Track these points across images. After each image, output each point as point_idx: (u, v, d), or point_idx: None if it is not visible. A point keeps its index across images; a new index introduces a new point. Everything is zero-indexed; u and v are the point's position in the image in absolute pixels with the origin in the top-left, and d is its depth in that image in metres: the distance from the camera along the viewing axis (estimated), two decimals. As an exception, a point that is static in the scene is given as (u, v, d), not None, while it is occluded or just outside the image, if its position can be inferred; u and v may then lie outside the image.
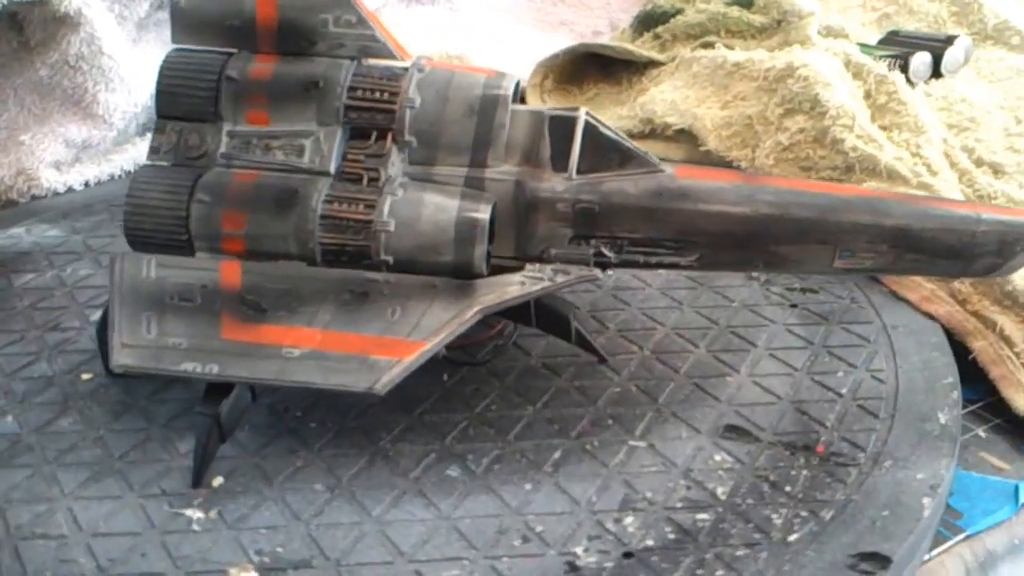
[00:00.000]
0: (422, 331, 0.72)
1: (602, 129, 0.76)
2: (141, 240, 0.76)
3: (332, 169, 0.76)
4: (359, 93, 0.77)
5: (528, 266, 0.77)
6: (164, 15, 1.35)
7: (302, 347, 0.72)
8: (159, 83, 0.78)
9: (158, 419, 0.80)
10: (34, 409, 0.82)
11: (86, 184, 1.24)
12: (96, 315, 0.91)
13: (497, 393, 0.83)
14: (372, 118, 0.77)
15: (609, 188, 0.75)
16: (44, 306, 0.97)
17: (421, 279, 0.75)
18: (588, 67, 1.40)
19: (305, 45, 0.78)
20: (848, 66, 1.16)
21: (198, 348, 0.73)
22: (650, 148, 1.18)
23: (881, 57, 1.20)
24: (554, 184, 0.75)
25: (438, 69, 0.78)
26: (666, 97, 1.24)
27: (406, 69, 0.78)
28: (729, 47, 1.28)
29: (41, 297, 0.99)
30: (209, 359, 0.72)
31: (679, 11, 1.36)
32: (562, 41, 1.52)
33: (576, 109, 0.77)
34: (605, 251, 0.76)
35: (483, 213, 0.73)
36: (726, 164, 1.15)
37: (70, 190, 1.23)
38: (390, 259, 0.74)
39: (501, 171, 0.76)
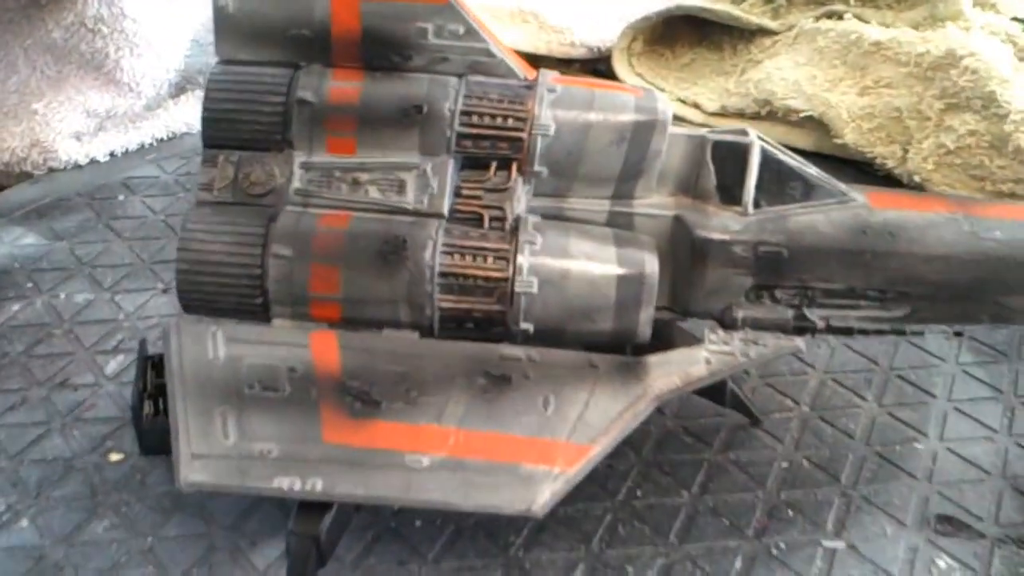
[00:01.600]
0: (587, 429, 0.58)
1: (779, 154, 0.64)
2: (200, 304, 0.62)
3: (445, 210, 0.61)
4: (475, 119, 0.62)
5: (710, 334, 0.62)
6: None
7: (432, 453, 0.56)
8: (206, 106, 0.63)
9: (219, 518, 0.65)
10: (56, 508, 0.66)
11: (111, 155, 1.06)
12: (111, 365, 0.77)
13: (638, 471, 0.69)
14: (493, 147, 0.63)
15: (797, 225, 0.62)
16: (43, 352, 0.79)
17: (575, 356, 0.60)
18: (682, 29, 1.23)
19: (397, 60, 0.64)
20: (1016, 50, 0.98)
21: (294, 456, 0.56)
22: (767, 133, 1.03)
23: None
24: (727, 222, 0.62)
25: (572, 88, 0.64)
26: (786, 76, 1.07)
27: (529, 87, 0.64)
28: (860, 18, 1.10)
29: (36, 339, 0.80)
30: (310, 471, 0.56)
31: (796, -28, 1.17)
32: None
33: (744, 132, 0.64)
34: (808, 312, 0.63)
35: (650, 265, 0.60)
36: (866, 161, 0.99)
37: (93, 162, 1.06)
38: (530, 328, 0.60)
39: (654, 205, 0.64)
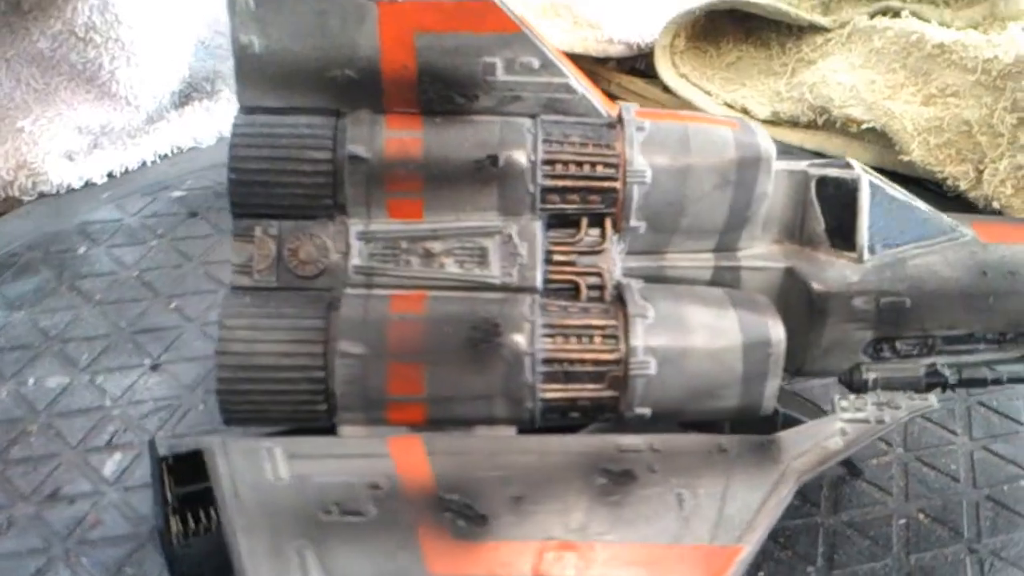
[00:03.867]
0: (730, 526, 0.49)
1: (887, 188, 0.58)
2: (247, 415, 0.52)
3: (539, 282, 0.53)
4: (560, 168, 0.53)
5: (841, 400, 0.55)
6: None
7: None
8: (233, 166, 0.52)
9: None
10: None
11: (109, 175, 0.96)
12: (109, 466, 0.66)
13: (754, 545, 0.61)
14: (583, 201, 0.54)
15: (917, 271, 0.56)
16: (20, 455, 0.66)
17: (701, 440, 0.53)
18: (726, 24, 1.13)
19: (461, 101, 0.54)
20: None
21: None
22: (824, 146, 0.94)
23: None
24: (844, 271, 0.55)
25: (662, 124, 0.55)
26: (843, 79, 0.98)
27: (612, 126, 0.55)
28: (918, 15, 1.00)
29: (9, 439, 0.67)
30: None
31: (847, -37, 1.07)
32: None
33: (847, 164, 0.58)
34: (940, 366, 0.58)
35: (777, 332, 0.53)
36: (936, 181, 0.89)
37: (88, 184, 0.95)
38: (646, 412, 0.52)
39: (761, 256, 0.57)
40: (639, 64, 1.12)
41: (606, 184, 0.53)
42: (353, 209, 0.52)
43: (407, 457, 0.49)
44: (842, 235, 0.56)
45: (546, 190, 0.53)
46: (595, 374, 0.51)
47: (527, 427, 0.52)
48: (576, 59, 1.04)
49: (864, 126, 0.94)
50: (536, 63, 0.53)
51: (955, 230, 0.58)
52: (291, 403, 0.51)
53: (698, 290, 0.55)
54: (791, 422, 0.56)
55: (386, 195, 0.52)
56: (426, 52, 0.52)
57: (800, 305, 0.56)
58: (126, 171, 0.97)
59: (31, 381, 0.72)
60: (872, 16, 1.03)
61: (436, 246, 0.52)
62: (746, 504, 0.50)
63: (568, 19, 1.12)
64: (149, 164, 0.98)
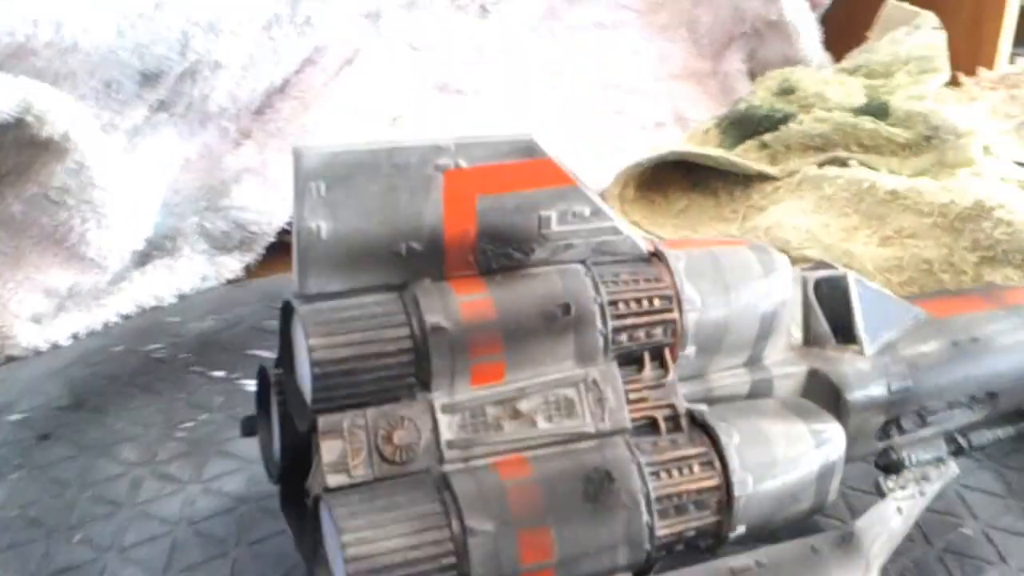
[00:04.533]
0: None
1: (866, 283, 0.64)
2: None
3: (628, 423, 0.54)
4: (622, 307, 0.54)
5: (886, 483, 0.61)
6: (161, 116, 1.07)
7: None
8: (317, 361, 0.49)
9: None
10: None
11: (74, 336, 0.95)
12: None
13: None
14: (647, 336, 0.55)
15: (910, 356, 0.62)
16: None
17: (796, 546, 0.55)
18: (673, 174, 1.17)
19: (518, 256, 0.54)
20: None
21: None
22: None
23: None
24: (857, 366, 0.60)
25: (692, 252, 0.58)
26: (798, 223, 1.02)
27: (647, 260, 0.57)
28: (866, 164, 1.06)
29: None
30: None
31: (787, 116, 1.13)
32: (625, 130, 1.28)
33: (831, 266, 0.64)
34: (960, 438, 0.65)
35: (838, 429, 0.57)
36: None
37: (55, 346, 0.93)
38: (743, 529, 0.54)
39: (785, 363, 0.61)
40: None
41: (665, 317, 0.55)
42: (436, 382, 0.51)
43: None
44: (839, 331, 0.61)
45: (615, 331, 0.54)
46: (700, 502, 0.53)
47: (639, 571, 0.52)
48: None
49: (825, 267, 0.98)
50: (587, 211, 0.54)
51: (915, 312, 0.64)
52: None
53: (757, 404, 0.58)
54: None
55: (469, 362, 0.51)
56: (487, 214, 0.52)
57: (826, 402, 0.59)
58: (91, 332, 0.95)
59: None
60: (821, 166, 1.08)
61: (524, 405, 0.52)
62: None
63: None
64: (111, 325, 0.97)
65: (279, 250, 1.08)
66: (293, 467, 0.57)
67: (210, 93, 1.09)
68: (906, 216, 0.97)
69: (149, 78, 1.02)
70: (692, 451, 0.53)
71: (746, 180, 1.14)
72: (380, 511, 0.48)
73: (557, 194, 0.53)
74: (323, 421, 0.49)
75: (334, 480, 0.49)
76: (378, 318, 0.50)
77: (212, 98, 1.09)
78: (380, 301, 0.51)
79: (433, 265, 0.52)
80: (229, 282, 1.05)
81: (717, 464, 0.53)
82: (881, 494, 0.60)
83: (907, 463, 0.61)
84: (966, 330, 0.65)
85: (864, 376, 0.60)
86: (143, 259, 1.04)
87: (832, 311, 0.61)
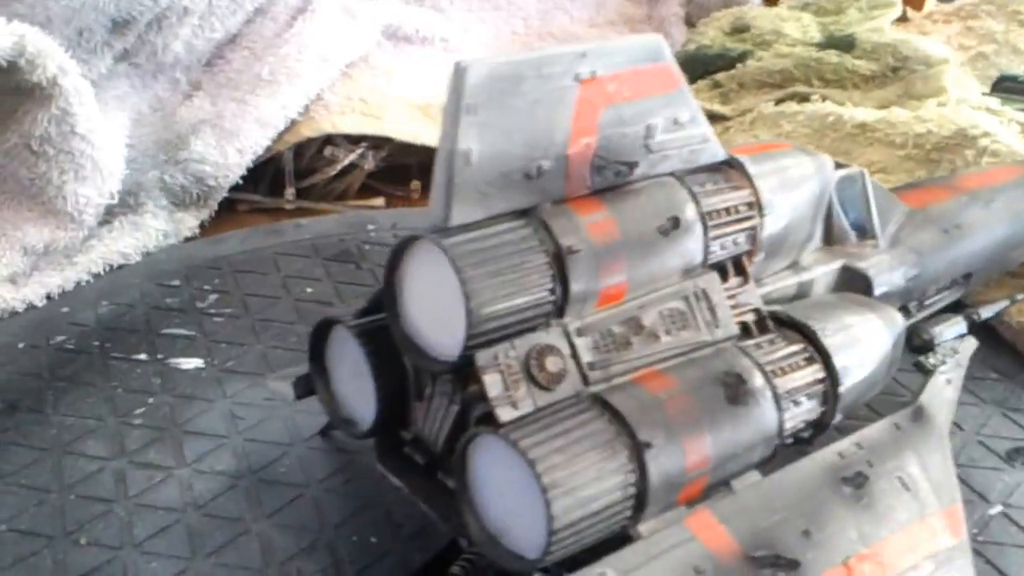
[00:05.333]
0: (942, 490, 0.57)
1: (873, 180, 0.68)
2: (570, 547, 0.48)
3: (736, 329, 0.56)
4: (714, 217, 0.56)
5: (928, 360, 0.65)
6: (120, 67, 1.03)
7: None
8: (467, 294, 0.47)
9: None
10: None
11: (47, 297, 0.89)
12: None
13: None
14: (733, 243, 0.57)
15: (916, 246, 0.68)
16: None
17: (881, 425, 0.58)
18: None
19: (623, 171, 0.54)
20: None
21: None
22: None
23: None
24: (880, 259, 0.65)
25: (760, 157, 0.60)
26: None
27: (729, 165, 0.58)
28: (829, 99, 1.08)
29: None
30: None
31: (744, 54, 1.15)
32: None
33: (843, 164, 0.67)
34: (973, 315, 0.72)
35: (898, 317, 0.62)
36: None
37: (30, 307, 0.88)
38: (840, 417, 0.58)
39: (819, 262, 0.64)
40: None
41: (750, 224, 0.57)
42: (570, 308, 0.51)
43: (708, 532, 0.50)
44: (861, 226, 0.66)
45: (712, 239, 0.56)
46: (812, 394, 0.55)
47: (761, 468, 0.54)
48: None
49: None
50: (686, 116, 0.55)
51: (900, 204, 0.70)
52: (609, 518, 0.48)
53: (823, 301, 0.61)
54: None
55: (599, 283, 0.51)
56: (607, 126, 0.52)
57: (856, 292, 0.64)
58: (62, 292, 0.90)
59: None
60: (779, 103, 1.09)
61: (645, 321, 0.53)
62: (937, 465, 0.57)
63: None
64: (83, 285, 0.92)
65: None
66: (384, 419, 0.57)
67: (171, 42, 1.05)
68: (875, 149, 0.99)
69: (119, 25, 0.98)
70: (794, 348, 0.56)
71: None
72: (559, 437, 0.48)
73: (666, 100, 0.54)
74: (480, 356, 0.49)
75: (504, 414, 0.48)
76: (518, 246, 0.49)
77: (171, 47, 1.05)
78: (514, 228, 0.50)
79: (556, 185, 0.51)
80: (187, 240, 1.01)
81: (818, 357, 0.56)
82: (926, 371, 0.63)
83: (933, 342, 0.66)
84: (947, 218, 0.70)
85: (885, 267, 0.64)
86: (107, 216, 0.99)
87: (858, 210, 0.65)
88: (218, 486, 0.69)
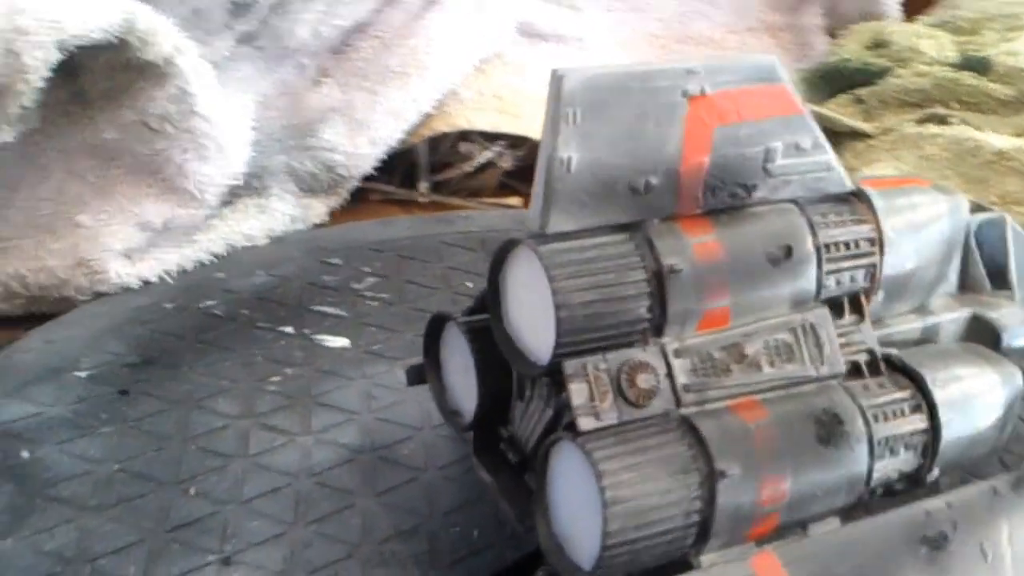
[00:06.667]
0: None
1: (1017, 227, 0.63)
2: (625, 564, 0.48)
3: (843, 368, 0.53)
4: (835, 251, 0.53)
5: None
6: (243, 50, 1.04)
7: None
8: (561, 303, 0.47)
9: None
10: None
11: (160, 278, 0.90)
12: None
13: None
14: (850, 279, 0.54)
15: None
16: None
17: (978, 488, 0.55)
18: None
19: (741, 194, 0.52)
20: None
21: None
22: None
23: None
24: (1013, 310, 0.61)
25: (888, 192, 0.57)
26: (896, 184, 1.00)
27: (848, 199, 0.55)
28: (965, 122, 1.04)
29: None
30: None
31: (884, 71, 1.12)
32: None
33: (986, 207, 0.63)
34: None
35: (1018, 375, 0.57)
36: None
37: (146, 284, 0.90)
38: (937, 472, 0.54)
39: (948, 308, 0.60)
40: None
41: (868, 261, 0.54)
42: (668, 328, 0.50)
43: (769, 574, 0.48)
44: (998, 275, 0.62)
45: (828, 273, 0.53)
46: (909, 445, 0.53)
47: (845, 515, 0.52)
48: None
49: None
50: (808, 143, 0.53)
51: None
52: (668, 542, 0.48)
53: (942, 349, 0.58)
54: None
55: (702, 306, 0.50)
56: (721, 145, 0.51)
57: (986, 345, 0.59)
58: (183, 271, 0.92)
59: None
60: (919, 123, 1.06)
61: (748, 350, 0.51)
62: None
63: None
64: (207, 263, 0.93)
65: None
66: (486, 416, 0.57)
67: (296, 27, 1.05)
68: (1011, 179, 0.96)
69: (240, 7, 0.99)
70: (901, 394, 0.53)
71: (836, 138, 1.11)
72: (633, 454, 0.47)
73: (785, 124, 0.52)
74: (569, 365, 0.49)
75: (585, 423, 0.48)
76: (617, 260, 0.49)
77: (296, 32, 1.06)
78: (616, 241, 0.49)
79: (665, 202, 0.51)
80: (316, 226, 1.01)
81: (924, 407, 0.53)
82: None
83: None
84: None
85: (1018, 320, 0.60)
86: (230, 198, 1.00)
87: (985, 255, 0.61)
88: (336, 457, 0.69)
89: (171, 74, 0.87)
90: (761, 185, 0.52)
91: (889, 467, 0.52)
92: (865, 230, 0.54)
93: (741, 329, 0.51)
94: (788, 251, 0.51)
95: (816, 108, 1.10)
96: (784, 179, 0.53)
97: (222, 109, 0.92)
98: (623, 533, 0.46)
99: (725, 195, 0.52)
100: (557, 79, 0.47)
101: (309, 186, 1.02)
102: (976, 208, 0.62)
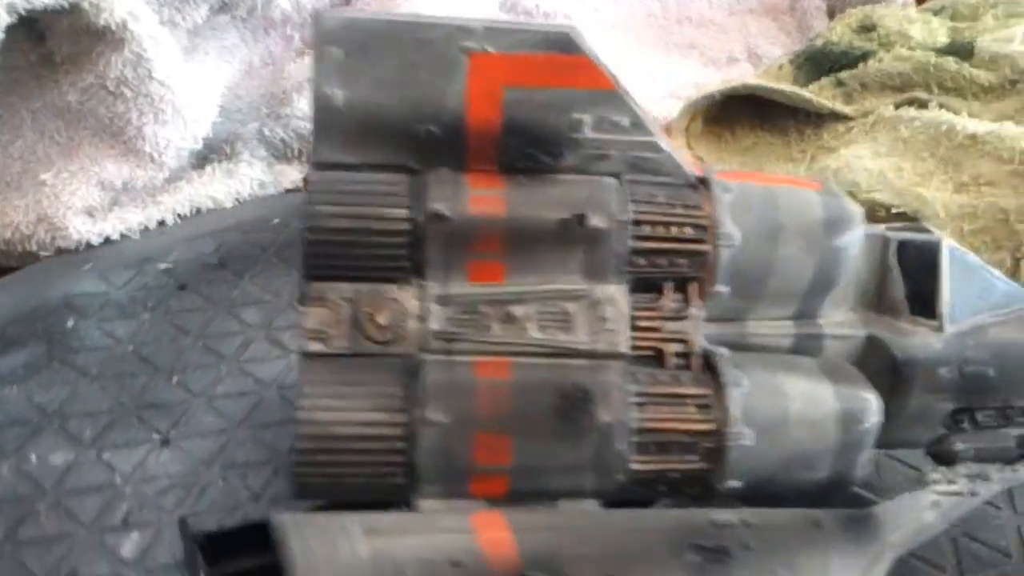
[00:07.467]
0: None
1: (967, 255, 0.58)
2: (323, 489, 0.50)
3: (626, 348, 0.51)
4: (648, 230, 0.51)
5: (932, 473, 0.55)
6: (223, 19, 1.06)
7: None
8: (311, 225, 0.50)
9: None
10: None
11: (121, 235, 0.93)
12: (127, 547, 0.63)
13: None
14: (670, 264, 0.52)
15: (1000, 340, 0.56)
16: (31, 535, 0.63)
17: (796, 515, 0.50)
18: (742, 109, 1.14)
19: (545, 160, 0.52)
20: None
21: None
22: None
23: None
24: (928, 340, 0.54)
25: (748, 185, 0.54)
26: (868, 166, 0.98)
27: (697, 186, 0.53)
28: (945, 107, 1.02)
29: (17, 518, 0.64)
30: None
31: (866, 54, 1.09)
32: (692, 67, 1.25)
33: (926, 229, 0.58)
34: None
35: (872, 401, 0.52)
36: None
37: (106, 241, 0.92)
38: (738, 484, 0.50)
39: (842, 323, 0.56)
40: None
41: (695, 247, 0.52)
42: (432, 272, 0.50)
43: (491, 533, 0.46)
44: (921, 302, 0.56)
45: (633, 252, 0.52)
46: (688, 445, 0.50)
47: (612, 500, 0.50)
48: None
49: (893, 211, 0.94)
50: (627, 121, 0.52)
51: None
52: (369, 475, 0.48)
53: (788, 359, 0.54)
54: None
55: (467, 257, 0.50)
56: (514, 107, 0.51)
57: (882, 375, 0.54)
58: (145, 229, 0.95)
59: (33, 458, 0.69)
60: (898, 107, 1.03)
61: (518, 310, 0.51)
62: None
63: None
64: (170, 224, 0.96)
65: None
66: None
67: (272, -2, 1.07)
68: (985, 163, 0.93)
69: (210, -24, 1.00)
70: (692, 391, 0.51)
71: (818, 120, 1.10)
72: (346, 384, 0.48)
73: (593, 97, 0.51)
74: (314, 287, 0.50)
75: (312, 346, 0.49)
76: (383, 196, 0.50)
77: (276, 2, 1.07)
78: (391, 180, 0.50)
79: (455, 154, 0.51)
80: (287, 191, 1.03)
81: (716, 410, 0.50)
82: (921, 483, 0.54)
83: (961, 457, 0.55)
84: None
85: (932, 353, 0.55)
86: (201, 161, 1.02)
87: (916, 279, 0.56)
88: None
89: (127, 39, 0.89)
90: (569, 154, 0.52)
91: (661, 463, 0.50)
92: (694, 216, 0.52)
93: (517, 288, 0.51)
94: (581, 219, 0.50)
95: (798, 90, 1.09)
96: (600, 152, 0.52)
97: (183, 75, 0.94)
98: (313, 455, 0.47)
99: (524, 157, 0.51)
100: (315, 18, 0.49)
101: (281, 153, 1.04)
102: (918, 229, 0.58)
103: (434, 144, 0.51)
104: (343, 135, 0.51)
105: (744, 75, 1.21)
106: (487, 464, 0.48)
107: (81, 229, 0.92)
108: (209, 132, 0.99)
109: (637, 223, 0.52)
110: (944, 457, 0.56)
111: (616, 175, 0.53)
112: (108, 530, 0.64)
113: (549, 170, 0.52)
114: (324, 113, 0.50)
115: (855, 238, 0.54)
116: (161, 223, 0.95)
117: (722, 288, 0.52)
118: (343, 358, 0.49)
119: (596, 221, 0.51)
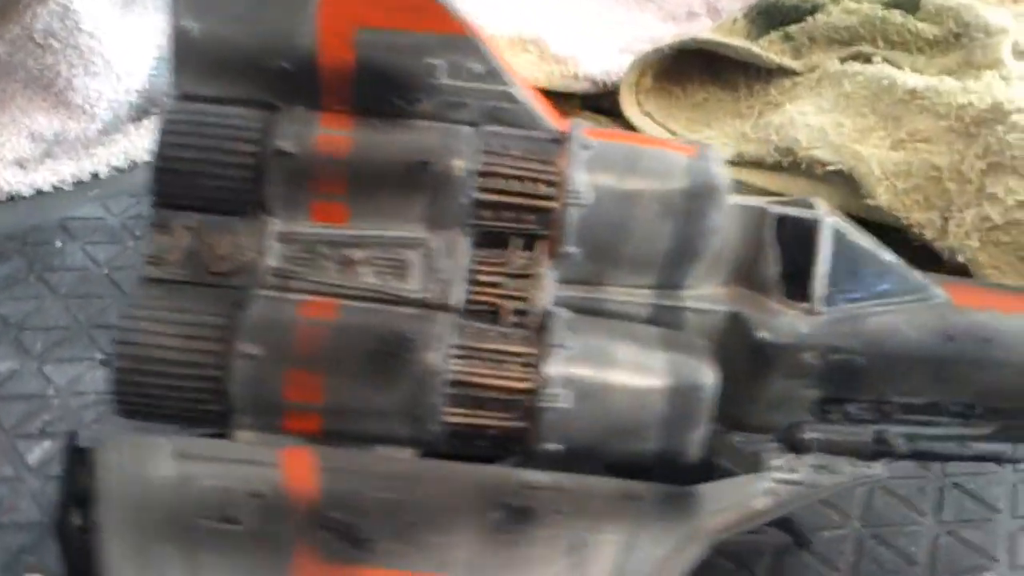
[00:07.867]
0: None
1: (852, 234, 0.54)
2: (142, 409, 0.50)
3: (458, 301, 0.50)
4: (495, 182, 0.51)
5: (773, 459, 0.51)
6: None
7: None
8: (160, 153, 0.51)
9: None
10: None
11: (56, 187, 0.94)
12: (35, 453, 0.66)
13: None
14: (516, 219, 0.51)
15: (876, 329, 0.52)
16: None
17: (612, 485, 0.49)
18: (694, 65, 1.12)
19: (399, 103, 0.52)
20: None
21: None
22: (788, 188, 0.93)
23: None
24: (794, 322, 0.51)
25: (611, 144, 0.53)
26: (810, 121, 0.97)
27: (558, 141, 0.52)
28: (891, 62, 1.00)
29: None
30: None
31: (816, 7, 1.07)
32: (650, 22, 1.23)
33: (809, 204, 0.54)
34: (889, 434, 0.52)
35: (706, 376, 0.50)
36: (901, 229, 0.88)
37: (38, 193, 0.93)
38: (559, 448, 0.49)
39: (706, 297, 0.53)
40: (604, 102, 1.11)
41: (543, 203, 0.51)
42: (274, 207, 0.51)
43: (296, 469, 0.47)
44: (799, 285, 0.53)
45: (478, 204, 0.51)
46: (505, 402, 0.49)
47: (430, 451, 0.50)
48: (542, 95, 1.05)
49: (830, 168, 0.93)
50: (480, 68, 0.52)
51: (925, 289, 0.54)
52: (184, 400, 0.49)
53: (632, 327, 0.52)
54: (727, 476, 0.52)
55: (310, 196, 0.51)
56: (366, 48, 0.51)
57: (743, 354, 0.52)
58: (78, 182, 0.94)
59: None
60: (843, 61, 1.02)
61: (356, 254, 0.51)
62: (649, 558, 0.47)
63: (535, 54, 1.11)
64: (103, 176, 0.95)
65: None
66: None
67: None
68: (922, 118, 0.92)
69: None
70: (517, 348, 0.49)
71: (768, 75, 1.08)
72: (172, 310, 0.49)
73: (447, 43, 0.52)
74: (160, 214, 0.51)
75: (149, 271, 0.50)
76: (232, 129, 0.51)
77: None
78: (243, 115, 0.51)
79: (310, 93, 0.52)
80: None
81: (538, 370, 0.49)
82: (756, 467, 0.51)
83: (811, 447, 0.51)
84: (979, 328, 0.53)
85: (796, 337, 0.51)
86: (140, 114, 1.02)
87: (797, 258, 0.53)
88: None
89: (51, -9, 0.89)
90: (426, 100, 0.52)
91: (476, 418, 0.48)
92: (545, 171, 0.51)
93: (357, 232, 0.51)
94: (423, 167, 0.50)
95: (746, 44, 1.07)
96: (455, 99, 0.52)
97: (114, 27, 0.94)
98: (130, 375, 0.49)
99: (380, 101, 0.52)
100: None
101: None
102: (802, 204, 0.55)
103: (289, 81, 0.52)
104: (201, 68, 0.52)
105: (702, 30, 1.19)
106: (297, 400, 0.48)
107: (12, 180, 0.93)
108: (146, 84, 0.99)
109: (484, 175, 0.51)
110: (794, 445, 0.52)
111: (473, 124, 0.52)
112: (23, 436, 0.67)
113: (405, 115, 0.52)
114: (181, 45, 0.52)
115: (718, 207, 0.52)
116: (95, 176, 0.95)
117: (571, 248, 0.51)
118: (177, 284, 0.50)
119: (440, 168, 0.50)
